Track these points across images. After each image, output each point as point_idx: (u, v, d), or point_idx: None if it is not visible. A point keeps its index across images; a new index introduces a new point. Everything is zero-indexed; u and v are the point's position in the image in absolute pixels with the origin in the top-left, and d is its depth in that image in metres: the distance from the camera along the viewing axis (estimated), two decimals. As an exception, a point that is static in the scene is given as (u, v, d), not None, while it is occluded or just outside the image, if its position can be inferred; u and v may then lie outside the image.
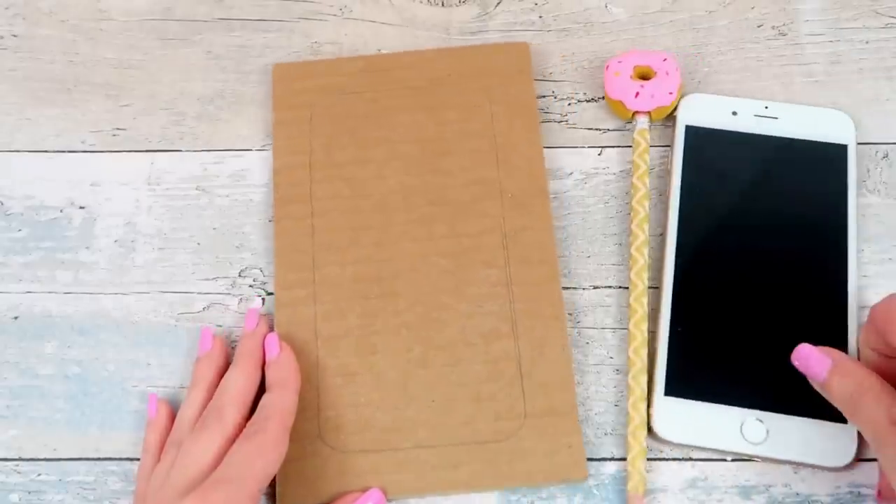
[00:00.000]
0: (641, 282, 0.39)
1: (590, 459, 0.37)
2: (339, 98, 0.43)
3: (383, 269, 0.40)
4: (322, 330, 0.39)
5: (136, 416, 0.39)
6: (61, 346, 0.40)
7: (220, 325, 0.40)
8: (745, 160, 0.41)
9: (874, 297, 0.40)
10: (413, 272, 0.40)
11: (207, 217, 0.42)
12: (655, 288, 0.39)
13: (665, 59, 0.42)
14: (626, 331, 0.39)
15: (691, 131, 0.42)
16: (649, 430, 0.37)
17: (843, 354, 0.34)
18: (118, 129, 0.44)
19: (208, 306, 0.41)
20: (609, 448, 0.38)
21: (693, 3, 0.47)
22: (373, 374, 0.38)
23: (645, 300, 0.39)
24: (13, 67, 0.46)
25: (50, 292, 0.41)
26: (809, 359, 0.34)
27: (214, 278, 0.41)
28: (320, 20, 0.47)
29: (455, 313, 0.39)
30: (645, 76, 0.43)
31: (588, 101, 0.44)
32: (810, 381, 0.34)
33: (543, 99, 0.45)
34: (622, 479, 0.37)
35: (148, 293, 0.41)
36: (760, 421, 0.36)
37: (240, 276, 0.41)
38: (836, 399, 0.33)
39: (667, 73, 0.42)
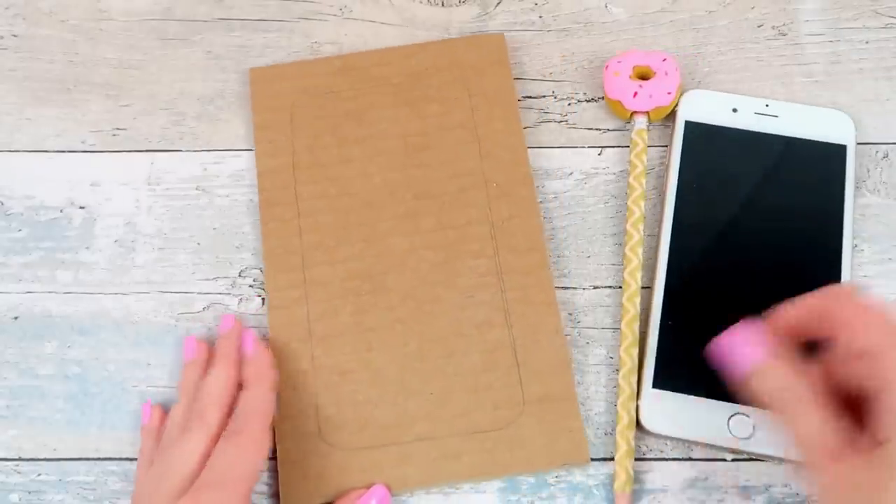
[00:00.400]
0: (634, 281, 0.39)
1: (590, 459, 0.37)
2: (318, 98, 0.43)
3: (373, 265, 0.40)
4: (316, 329, 0.39)
5: (135, 416, 0.39)
6: (61, 346, 0.40)
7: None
8: (744, 157, 0.41)
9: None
10: (403, 267, 0.40)
11: (207, 217, 0.42)
12: (649, 288, 0.39)
13: (665, 60, 0.42)
14: (626, 331, 0.40)
15: (691, 127, 0.42)
16: (637, 423, 0.37)
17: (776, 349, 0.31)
18: (118, 129, 0.44)
19: (208, 306, 0.41)
20: (609, 448, 0.38)
21: (693, 3, 0.46)
22: (370, 370, 0.38)
23: (637, 300, 0.39)
24: (13, 67, 0.46)
25: (50, 292, 0.41)
26: (736, 346, 0.31)
27: (214, 278, 0.41)
28: (320, 20, 0.47)
29: (447, 305, 0.39)
30: (644, 76, 0.43)
31: (588, 101, 0.44)
32: (727, 373, 0.31)
33: (543, 99, 0.44)
34: (622, 479, 0.37)
35: (148, 293, 0.41)
36: (747, 416, 0.37)
37: (240, 276, 0.41)
38: (759, 398, 0.30)
39: (666, 74, 0.42)
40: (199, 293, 0.41)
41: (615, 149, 0.43)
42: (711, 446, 0.37)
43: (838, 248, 0.40)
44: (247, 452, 0.33)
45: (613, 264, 0.41)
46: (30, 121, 0.44)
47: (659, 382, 0.37)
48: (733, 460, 0.37)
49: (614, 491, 0.36)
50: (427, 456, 0.37)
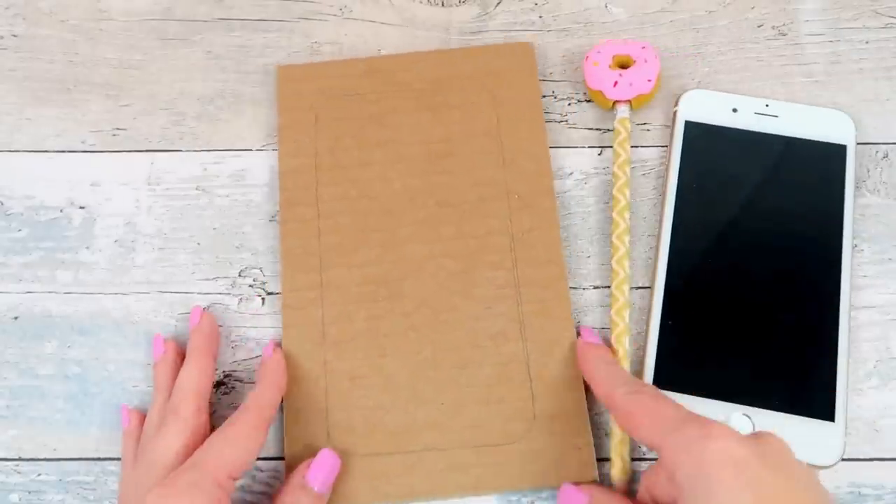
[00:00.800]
0: (623, 270, 0.39)
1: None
2: (342, 100, 0.43)
3: (390, 271, 0.40)
4: (330, 332, 0.39)
5: (136, 416, 0.39)
6: (61, 346, 0.40)
7: (221, 325, 0.40)
8: (744, 157, 0.41)
9: (873, 296, 0.40)
10: (420, 273, 0.40)
11: (207, 217, 0.42)
12: (649, 288, 0.39)
13: (644, 48, 0.43)
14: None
15: (691, 127, 0.42)
16: None
17: (602, 489, 0.34)
18: (118, 129, 0.44)
19: (208, 306, 0.41)
20: (608, 449, 0.37)
21: (693, 3, 0.46)
22: (381, 376, 0.38)
23: (626, 287, 0.39)
24: (13, 67, 0.46)
25: (50, 292, 0.41)
26: (568, 496, 0.33)
27: (214, 278, 0.41)
28: (320, 20, 0.47)
29: (463, 315, 0.39)
30: (624, 65, 0.43)
31: (588, 101, 0.44)
32: None
33: (544, 99, 0.44)
34: (622, 479, 0.37)
35: (148, 293, 0.41)
36: (747, 416, 0.37)
37: (240, 276, 0.41)
38: None
39: (645, 61, 0.42)
40: (199, 293, 0.41)
41: (612, 148, 0.43)
42: None
43: (838, 248, 0.40)
44: (234, 441, 0.33)
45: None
46: (30, 121, 0.44)
47: (659, 382, 0.37)
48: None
49: (612, 478, 0.36)
50: (435, 466, 0.36)
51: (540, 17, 0.46)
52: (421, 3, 0.47)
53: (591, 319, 0.40)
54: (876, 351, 0.39)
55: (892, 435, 0.38)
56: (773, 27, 0.46)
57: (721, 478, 0.26)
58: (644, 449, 0.38)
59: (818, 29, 0.46)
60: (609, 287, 0.40)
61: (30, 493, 0.38)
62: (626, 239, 0.40)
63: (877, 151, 0.43)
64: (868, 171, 0.42)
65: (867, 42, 0.45)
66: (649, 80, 0.42)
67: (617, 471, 0.36)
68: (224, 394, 0.39)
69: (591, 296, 0.41)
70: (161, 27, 0.47)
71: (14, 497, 0.38)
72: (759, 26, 0.46)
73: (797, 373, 0.37)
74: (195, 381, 0.36)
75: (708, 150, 0.42)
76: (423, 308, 0.39)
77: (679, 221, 0.40)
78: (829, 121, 0.42)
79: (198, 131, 0.44)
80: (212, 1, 0.47)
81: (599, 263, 0.41)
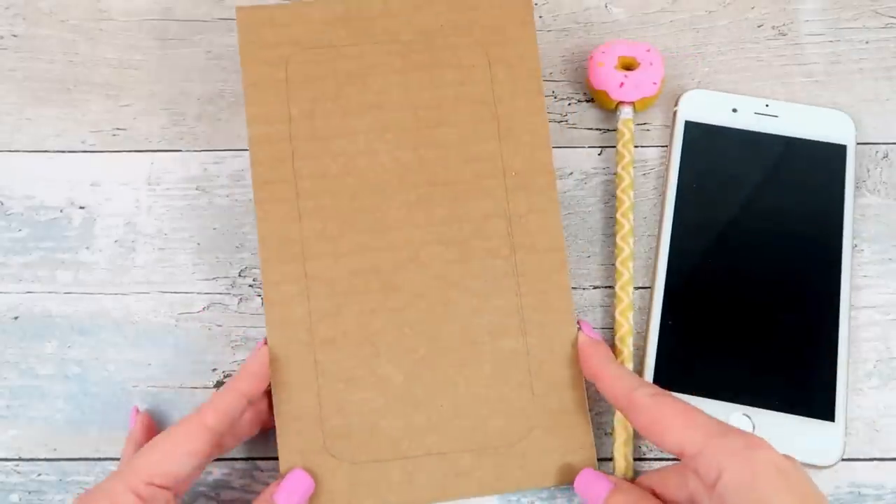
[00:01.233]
0: (627, 271, 0.39)
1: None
2: (317, 52, 0.38)
3: (381, 259, 0.37)
4: (318, 330, 0.36)
5: (136, 416, 0.39)
6: (61, 346, 0.40)
7: (220, 325, 0.40)
8: (744, 157, 0.41)
9: (873, 296, 0.40)
10: (414, 263, 0.37)
11: (207, 217, 0.42)
12: (649, 288, 0.40)
13: (649, 50, 0.42)
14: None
15: (691, 127, 0.42)
16: None
17: (623, 480, 0.34)
18: (118, 129, 0.44)
19: (208, 306, 0.41)
20: (609, 448, 0.38)
21: (693, 3, 0.47)
22: (376, 377, 0.36)
23: (630, 289, 0.39)
24: (13, 67, 0.46)
25: (50, 292, 0.41)
26: (589, 482, 0.34)
27: (214, 278, 0.41)
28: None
29: (460, 309, 0.37)
30: (629, 67, 0.43)
31: (588, 101, 0.44)
32: None
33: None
34: (622, 479, 0.37)
35: (148, 293, 0.41)
36: (747, 416, 0.37)
37: (240, 275, 0.41)
38: None
39: (651, 64, 0.42)
40: (199, 293, 0.41)
41: (615, 149, 0.43)
42: None
43: (838, 248, 0.40)
44: (161, 445, 0.32)
45: (614, 264, 0.41)
46: (30, 121, 0.44)
47: (659, 382, 0.37)
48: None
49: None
50: (436, 471, 0.35)
51: (540, 17, 0.46)
52: (421, 3, 0.47)
53: (591, 319, 0.40)
54: (876, 351, 0.39)
55: (892, 435, 0.38)
56: (773, 27, 0.46)
57: (771, 483, 0.28)
58: (644, 449, 0.38)
59: (818, 29, 0.46)
60: (611, 287, 0.40)
61: (30, 493, 0.38)
62: (631, 241, 0.40)
63: (877, 151, 0.43)
64: (868, 171, 0.42)
65: (867, 42, 0.45)
66: (654, 84, 0.42)
67: (620, 471, 0.36)
68: (224, 394, 0.39)
69: (592, 295, 0.41)
70: (161, 27, 0.46)
71: (14, 497, 0.38)
72: (759, 26, 0.46)
73: (797, 373, 0.37)
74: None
75: (708, 150, 0.42)
76: (418, 302, 0.37)
77: (679, 221, 0.40)
78: (829, 121, 0.42)
79: (198, 131, 0.44)
80: (212, 1, 0.47)
81: (599, 263, 0.41)
